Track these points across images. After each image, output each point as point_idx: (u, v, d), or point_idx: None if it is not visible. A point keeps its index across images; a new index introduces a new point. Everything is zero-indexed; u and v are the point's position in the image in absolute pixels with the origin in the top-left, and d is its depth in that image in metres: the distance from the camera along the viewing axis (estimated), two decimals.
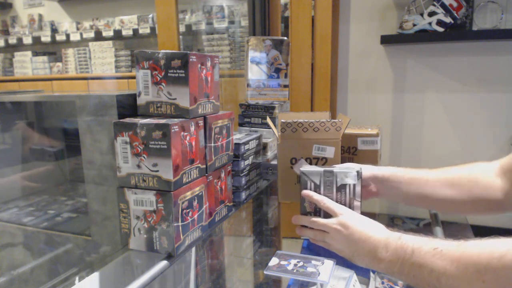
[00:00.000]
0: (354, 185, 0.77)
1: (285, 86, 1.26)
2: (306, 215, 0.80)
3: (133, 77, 1.58)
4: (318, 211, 0.80)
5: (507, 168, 0.76)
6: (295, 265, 0.73)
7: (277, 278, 0.73)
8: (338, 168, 0.79)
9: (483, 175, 0.79)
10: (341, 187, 0.78)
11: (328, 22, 2.36)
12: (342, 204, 0.78)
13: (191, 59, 0.74)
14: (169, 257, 0.73)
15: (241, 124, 1.23)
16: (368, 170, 0.84)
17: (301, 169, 0.80)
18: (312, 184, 0.79)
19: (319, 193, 0.79)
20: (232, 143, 0.95)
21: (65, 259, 1.02)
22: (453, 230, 0.84)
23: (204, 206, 0.82)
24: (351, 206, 0.78)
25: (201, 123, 0.80)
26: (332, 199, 0.78)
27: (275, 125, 1.05)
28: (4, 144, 1.31)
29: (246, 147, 1.01)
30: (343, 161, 1.07)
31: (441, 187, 0.80)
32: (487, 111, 2.40)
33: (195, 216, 0.79)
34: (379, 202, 1.15)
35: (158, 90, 0.76)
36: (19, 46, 4.21)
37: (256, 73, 1.25)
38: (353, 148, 1.10)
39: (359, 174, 0.77)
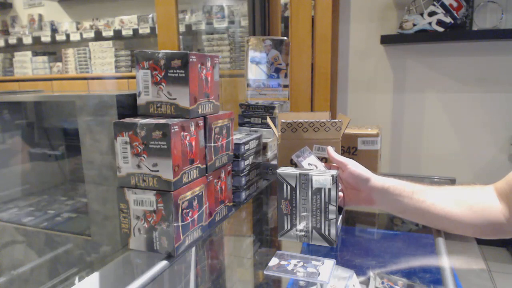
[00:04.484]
0: (329, 189, 0.77)
1: (285, 86, 1.26)
2: (282, 217, 0.81)
3: (133, 77, 1.58)
4: (295, 213, 0.80)
5: (503, 193, 0.75)
6: (295, 265, 0.73)
7: (277, 278, 0.73)
8: (314, 171, 0.79)
9: (484, 195, 0.77)
10: (316, 191, 0.78)
11: (328, 22, 2.36)
12: (317, 208, 0.78)
13: (191, 59, 0.74)
14: (169, 257, 0.73)
15: (241, 124, 1.23)
16: (366, 177, 0.81)
17: (278, 171, 0.80)
18: (288, 186, 0.79)
19: (295, 196, 0.80)
20: (232, 143, 0.95)
21: (65, 259, 1.02)
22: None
23: (204, 206, 0.82)
24: (326, 210, 0.78)
25: (201, 123, 0.80)
26: (307, 202, 0.79)
27: (275, 125, 1.05)
28: (4, 144, 1.31)
29: (246, 147, 1.01)
30: None
31: (443, 204, 0.77)
32: (487, 111, 2.40)
33: (195, 216, 0.79)
34: None
35: (158, 90, 0.76)
36: (19, 46, 4.21)
37: (256, 73, 1.25)
38: (353, 148, 1.10)
39: (334, 178, 0.77)
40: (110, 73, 3.68)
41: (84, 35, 3.84)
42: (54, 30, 4.08)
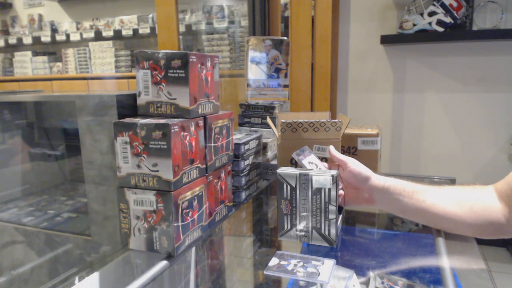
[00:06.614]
0: (329, 189, 0.77)
1: (285, 86, 1.26)
2: (282, 217, 0.81)
3: (133, 77, 1.58)
4: (295, 213, 0.80)
5: (504, 193, 0.75)
6: (295, 265, 0.73)
7: (277, 278, 0.73)
8: (314, 171, 0.79)
9: (484, 195, 0.77)
10: (317, 191, 0.78)
11: (328, 22, 2.36)
12: (317, 208, 0.78)
13: (191, 59, 0.74)
14: (169, 257, 0.73)
15: (241, 124, 1.23)
16: (367, 175, 0.81)
17: (278, 171, 0.80)
18: (288, 186, 0.79)
19: (295, 196, 0.80)
20: (232, 143, 0.95)
21: (65, 259, 1.02)
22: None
23: (204, 206, 0.82)
24: (326, 210, 0.78)
25: (201, 123, 0.80)
26: (307, 202, 0.79)
27: (275, 125, 1.05)
28: (4, 144, 1.31)
29: (246, 147, 1.01)
30: None
31: (443, 204, 0.77)
32: (487, 111, 2.40)
33: (195, 216, 0.79)
34: None
35: (158, 90, 0.76)
36: (19, 46, 4.21)
37: (256, 73, 1.25)
38: (353, 148, 1.10)
39: (334, 178, 0.77)
40: (110, 73, 3.68)
41: (84, 35, 3.84)
42: (54, 30, 4.08)
